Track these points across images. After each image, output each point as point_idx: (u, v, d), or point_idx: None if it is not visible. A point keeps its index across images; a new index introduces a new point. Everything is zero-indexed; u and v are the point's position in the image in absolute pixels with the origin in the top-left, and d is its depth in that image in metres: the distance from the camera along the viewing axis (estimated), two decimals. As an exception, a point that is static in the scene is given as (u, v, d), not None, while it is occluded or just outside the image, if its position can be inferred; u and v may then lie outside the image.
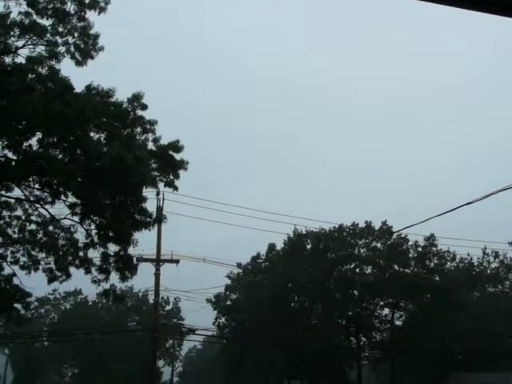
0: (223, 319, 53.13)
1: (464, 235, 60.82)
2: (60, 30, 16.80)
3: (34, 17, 16.00)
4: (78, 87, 15.97)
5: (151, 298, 54.30)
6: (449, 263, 48.55)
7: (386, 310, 48.50)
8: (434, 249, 46.40)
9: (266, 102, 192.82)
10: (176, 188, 18.40)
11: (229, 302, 52.50)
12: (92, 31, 17.13)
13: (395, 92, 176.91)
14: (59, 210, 17.38)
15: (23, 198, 17.95)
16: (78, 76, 16.21)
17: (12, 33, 16.03)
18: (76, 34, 17.11)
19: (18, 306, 20.04)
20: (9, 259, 20.09)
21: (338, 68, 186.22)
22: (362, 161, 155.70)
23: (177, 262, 28.43)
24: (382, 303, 48.13)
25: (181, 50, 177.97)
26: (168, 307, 71.34)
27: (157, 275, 27.09)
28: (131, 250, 17.67)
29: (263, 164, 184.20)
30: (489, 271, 49.87)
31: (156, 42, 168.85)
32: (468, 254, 48.61)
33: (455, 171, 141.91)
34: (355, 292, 47.77)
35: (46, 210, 17.66)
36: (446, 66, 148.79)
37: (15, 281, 19.89)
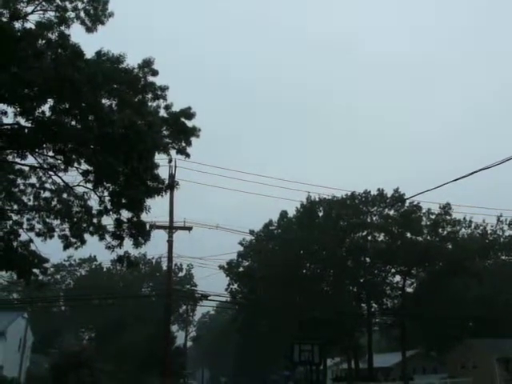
0: (235, 285, 53.89)
1: (481, 203, 60.41)
2: (69, -6, 16.53)
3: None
4: (89, 54, 15.81)
5: (164, 265, 55.13)
6: (463, 230, 48.37)
7: (398, 278, 48.80)
8: (448, 217, 46.19)
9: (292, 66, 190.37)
10: (188, 155, 18.29)
11: (241, 269, 53.08)
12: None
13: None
14: (72, 177, 17.45)
15: (37, 165, 18.03)
16: (89, 44, 16.05)
17: (21, -2, 15.81)
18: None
19: (35, 271, 20.49)
20: (25, 226, 20.44)
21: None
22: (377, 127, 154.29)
23: (189, 229, 28.53)
24: (393, 270, 48.34)
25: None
26: (181, 274, 72.44)
27: (170, 242, 27.31)
28: (144, 217, 17.73)
29: (276, 132, 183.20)
30: (502, 239, 49.69)
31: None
32: (483, 221, 48.36)
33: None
34: (367, 259, 47.99)
35: (60, 177, 17.72)
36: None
37: (32, 247, 20.31)
